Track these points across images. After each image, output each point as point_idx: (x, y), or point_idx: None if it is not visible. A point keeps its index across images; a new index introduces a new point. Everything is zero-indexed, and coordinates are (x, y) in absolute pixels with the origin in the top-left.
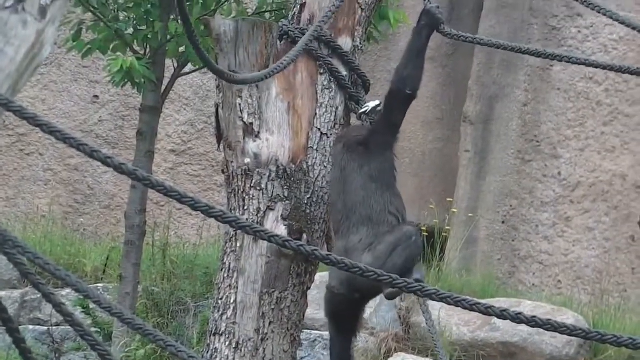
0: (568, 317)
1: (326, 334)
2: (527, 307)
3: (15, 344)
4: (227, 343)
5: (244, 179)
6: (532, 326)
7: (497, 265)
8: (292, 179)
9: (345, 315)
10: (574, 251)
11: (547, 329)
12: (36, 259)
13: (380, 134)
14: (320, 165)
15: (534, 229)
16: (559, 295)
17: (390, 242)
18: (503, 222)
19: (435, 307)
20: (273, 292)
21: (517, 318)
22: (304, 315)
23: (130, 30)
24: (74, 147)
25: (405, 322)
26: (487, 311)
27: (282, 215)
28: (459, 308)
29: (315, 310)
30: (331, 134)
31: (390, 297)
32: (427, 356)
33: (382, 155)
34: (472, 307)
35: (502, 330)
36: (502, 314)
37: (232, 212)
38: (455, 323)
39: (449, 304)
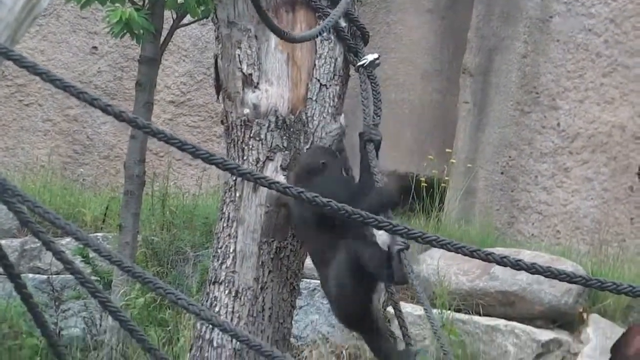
0: (567, 267)
1: None
2: (526, 256)
3: (17, 290)
4: (226, 292)
5: (243, 130)
6: (532, 273)
7: (496, 216)
8: (291, 129)
9: (357, 319)
10: (573, 201)
11: (547, 276)
12: (35, 208)
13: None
14: (319, 116)
15: (533, 180)
16: (557, 245)
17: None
18: (502, 173)
19: (434, 256)
20: (272, 241)
21: (517, 265)
22: (303, 265)
23: None
24: (74, 95)
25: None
26: (487, 257)
27: (281, 165)
28: (459, 256)
29: None
30: (330, 85)
31: (400, 281)
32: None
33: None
34: (472, 254)
35: (501, 280)
36: (502, 261)
37: None
38: (454, 272)
39: (449, 250)
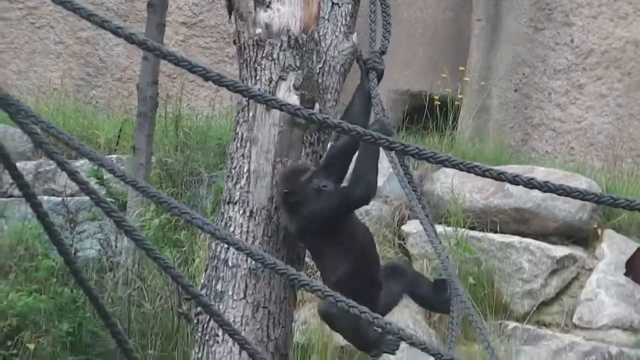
0: (581, 183)
1: None
2: (540, 173)
3: (33, 209)
4: (241, 211)
5: (255, 50)
6: (544, 191)
7: (510, 133)
8: (304, 48)
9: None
10: (587, 118)
11: (559, 194)
12: (49, 129)
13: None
14: (331, 34)
15: (547, 97)
16: (572, 161)
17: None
18: (516, 90)
19: (448, 174)
20: (286, 161)
21: (530, 183)
22: None
23: None
24: (84, 17)
25: (418, 190)
26: (500, 177)
27: (294, 84)
28: (472, 175)
29: None
30: (342, 4)
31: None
32: (440, 223)
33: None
34: (484, 173)
35: (515, 197)
36: (515, 180)
37: (244, 82)
38: (468, 190)
39: (461, 170)
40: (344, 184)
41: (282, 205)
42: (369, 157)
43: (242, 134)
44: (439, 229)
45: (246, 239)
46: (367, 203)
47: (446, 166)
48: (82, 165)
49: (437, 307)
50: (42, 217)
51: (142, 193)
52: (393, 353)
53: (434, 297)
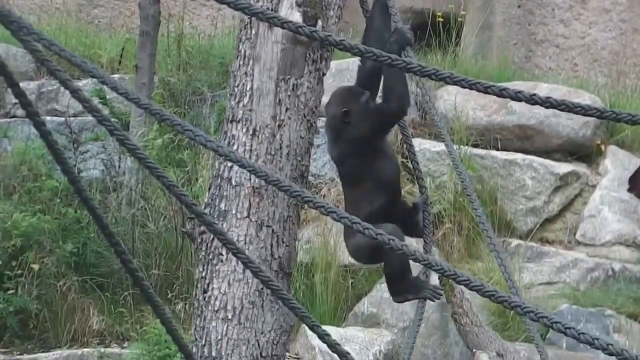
0: (584, 99)
1: None
2: (543, 89)
3: (36, 127)
4: (244, 130)
5: None
6: (547, 107)
7: (514, 50)
8: None
9: None
10: (591, 33)
11: (561, 110)
12: (52, 46)
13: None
14: None
15: (550, 13)
16: (575, 78)
17: None
18: (519, 7)
19: (451, 92)
20: (289, 78)
21: (532, 99)
22: (320, 102)
23: None
24: None
25: (421, 108)
26: (502, 93)
27: (296, 1)
28: (475, 92)
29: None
30: None
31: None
32: (443, 141)
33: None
34: (486, 90)
35: (519, 114)
36: (517, 96)
37: None
38: (471, 107)
39: (463, 86)
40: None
41: (331, 128)
42: (395, 70)
43: (245, 51)
44: (442, 147)
45: (249, 157)
46: (403, 116)
47: (448, 83)
48: (84, 85)
49: (408, 229)
50: (45, 135)
51: (144, 110)
52: (434, 300)
53: (408, 220)
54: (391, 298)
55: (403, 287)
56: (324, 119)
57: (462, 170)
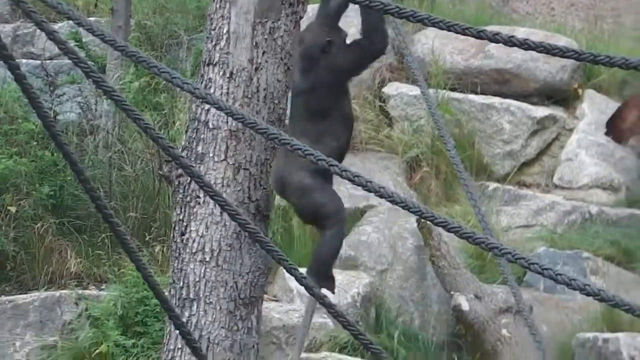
0: (561, 43)
1: None
2: (520, 33)
3: (10, 70)
4: (220, 73)
5: None
6: (525, 49)
7: None
8: None
9: None
10: None
11: (539, 51)
12: None
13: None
14: None
15: None
16: (552, 22)
17: None
18: None
19: (428, 36)
20: (266, 21)
21: (510, 41)
22: None
23: None
24: None
25: (398, 52)
26: (479, 35)
27: None
28: (454, 36)
29: None
30: None
31: None
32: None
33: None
34: (464, 32)
35: (496, 58)
36: (495, 38)
37: None
38: (449, 52)
39: (441, 28)
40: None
41: (307, 57)
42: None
43: None
44: (419, 91)
45: (226, 101)
46: (383, 54)
47: (426, 25)
48: (60, 27)
49: None
50: (20, 79)
51: (121, 52)
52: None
53: None
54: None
55: (318, 271)
56: None
57: (436, 114)
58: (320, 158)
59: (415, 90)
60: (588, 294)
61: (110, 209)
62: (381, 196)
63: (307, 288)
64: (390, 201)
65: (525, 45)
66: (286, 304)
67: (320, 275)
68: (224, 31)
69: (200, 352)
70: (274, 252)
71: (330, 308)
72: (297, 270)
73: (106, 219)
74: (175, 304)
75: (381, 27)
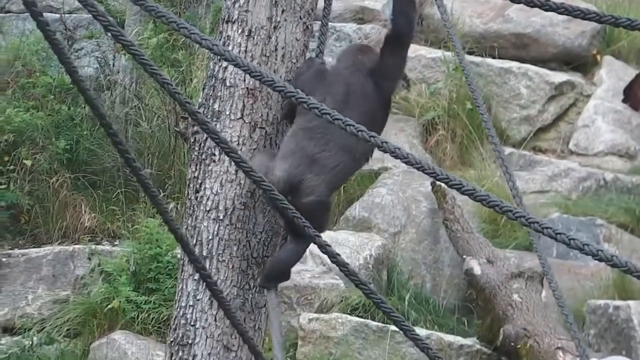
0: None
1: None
2: None
3: (32, 17)
4: (239, 31)
5: None
6: (546, 10)
7: None
8: None
9: None
10: None
11: (560, 13)
12: None
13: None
14: None
15: None
16: None
17: None
18: None
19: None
20: None
21: (531, 2)
22: (316, 4)
23: None
24: None
25: (418, 14)
26: None
27: None
28: None
29: None
30: None
31: None
32: (439, 48)
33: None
34: None
35: (515, 22)
36: None
37: None
38: (468, 15)
39: None
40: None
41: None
42: None
43: None
44: (438, 53)
45: (245, 57)
46: (410, 37)
47: None
48: None
49: None
50: (43, 26)
51: (140, 6)
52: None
53: None
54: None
55: (272, 277)
56: (318, 21)
57: (472, 81)
58: (349, 123)
59: (433, 53)
60: (601, 260)
61: (131, 154)
62: (396, 157)
63: (320, 247)
64: (405, 162)
65: (546, 6)
66: (298, 264)
67: (272, 282)
68: None
69: (226, 303)
70: (287, 209)
71: (343, 267)
72: (311, 229)
73: (128, 163)
74: (188, 261)
75: (407, 10)
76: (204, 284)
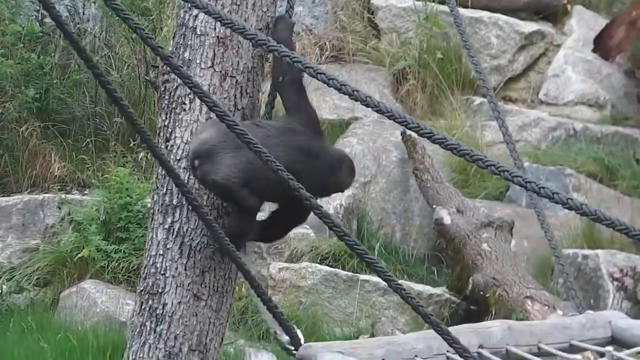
0: None
1: None
2: None
3: None
4: None
5: None
6: None
7: None
8: None
9: None
10: None
11: None
12: None
13: None
14: None
15: None
16: None
17: None
18: None
19: None
20: None
21: None
22: None
23: None
24: None
25: None
26: None
27: None
28: None
29: None
30: None
31: None
32: None
33: None
34: None
35: None
36: None
37: None
38: None
39: None
40: None
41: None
42: None
43: None
44: (409, 2)
45: (215, 5)
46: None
47: None
48: None
49: None
50: None
51: None
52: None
53: None
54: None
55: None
56: None
57: (463, 32)
58: (308, 65)
59: (404, 2)
60: (570, 208)
61: (112, 84)
62: (367, 105)
63: (294, 189)
64: (376, 111)
65: None
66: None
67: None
68: None
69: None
70: (261, 153)
71: (317, 209)
72: (284, 172)
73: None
74: (158, 210)
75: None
76: (175, 232)
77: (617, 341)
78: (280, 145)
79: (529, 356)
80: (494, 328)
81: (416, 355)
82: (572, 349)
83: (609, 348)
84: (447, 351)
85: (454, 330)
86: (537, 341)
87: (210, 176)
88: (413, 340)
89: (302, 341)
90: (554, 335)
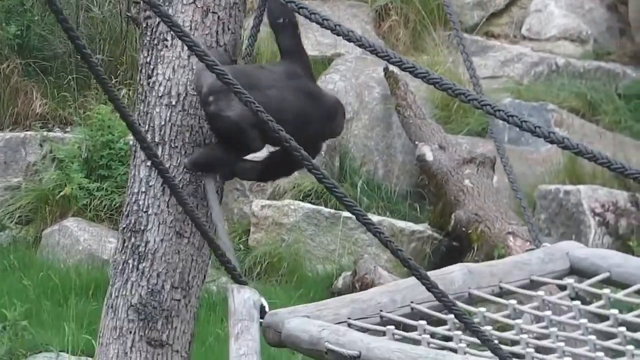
0: None
1: None
2: None
3: None
4: None
5: None
6: None
7: None
8: None
9: None
10: None
11: None
12: None
13: None
14: None
15: None
16: None
17: None
18: None
19: None
20: None
21: None
22: None
23: None
24: None
25: None
26: None
27: None
28: None
29: None
30: None
31: None
32: None
33: None
34: None
35: None
36: None
37: None
38: None
39: None
40: None
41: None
42: None
43: None
44: None
45: None
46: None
47: None
48: None
49: None
50: None
51: None
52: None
53: None
54: None
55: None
56: None
57: None
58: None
59: None
60: (552, 142)
61: (83, 40)
62: (349, 40)
63: (273, 131)
64: (358, 45)
65: None
66: None
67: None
68: None
69: (178, 190)
70: (241, 94)
71: (295, 151)
72: (264, 113)
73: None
74: (140, 147)
75: None
76: (157, 170)
77: (577, 271)
78: (289, 89)
79: (491, 297)
80: (454, 273)
81: (381, 310)
82: (533, 285)
83: (570, 280)
84: (411, 302)
85: (413, 280)
86: (498, 281)
87: (226, 112)
88: (377, 295)
89: (267, 309)
90: (513, 274)
